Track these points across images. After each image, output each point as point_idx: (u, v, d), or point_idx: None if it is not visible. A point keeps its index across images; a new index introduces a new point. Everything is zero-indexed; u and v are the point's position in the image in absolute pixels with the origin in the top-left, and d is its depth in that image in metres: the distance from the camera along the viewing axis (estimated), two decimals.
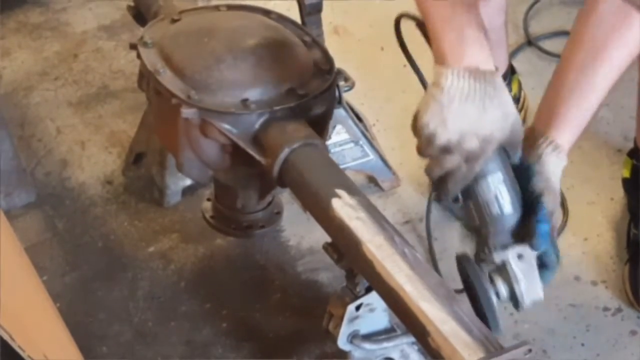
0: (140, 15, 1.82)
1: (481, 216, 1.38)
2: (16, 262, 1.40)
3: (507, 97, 1.34)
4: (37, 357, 1.08)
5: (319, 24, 1.83)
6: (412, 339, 1.39)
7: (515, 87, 2.09)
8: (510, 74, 2.07)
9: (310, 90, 1.51)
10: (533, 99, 2.13)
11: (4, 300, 1.11)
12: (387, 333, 1.46)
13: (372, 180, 2.02)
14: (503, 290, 1.36)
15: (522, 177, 1.39)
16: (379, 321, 1.45)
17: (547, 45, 2.30)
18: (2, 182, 1.92)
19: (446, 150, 1.32)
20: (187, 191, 1.99)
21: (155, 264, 1.89)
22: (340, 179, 1.39)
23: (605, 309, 1.79)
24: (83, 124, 2.20)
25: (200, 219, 1.74)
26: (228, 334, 1.75)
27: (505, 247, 1.36)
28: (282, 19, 1.65)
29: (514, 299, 1.36)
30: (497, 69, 1.35)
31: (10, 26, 2.50)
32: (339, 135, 1.90)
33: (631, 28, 1.36)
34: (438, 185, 1.38)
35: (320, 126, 1.53)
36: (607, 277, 1.83)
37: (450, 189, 1.36)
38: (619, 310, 1.78)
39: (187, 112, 1.45)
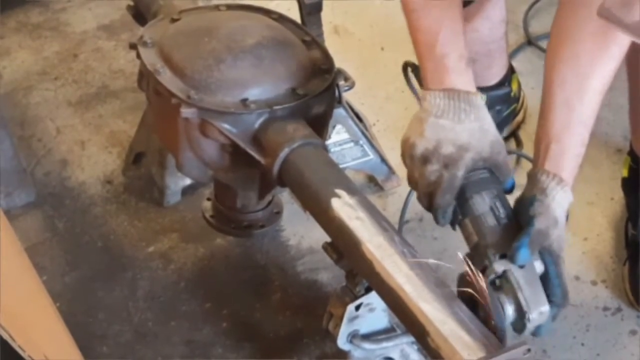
0: (140, 14, 1.82)
1: (479, 229, 1.39)
2: (16, 262, 1.40)
3: (485, 115, 1.42)
4: (37, 357, 1.08)
5: (319, 23, 1.83)
6: (411, 338, 1.39)
7: (515, 86, 2.09)
8: (510, 74, 2.08)
9: (310, 90, 1.51)
10: (533, 99, 2.13)
11: (4, 300, 1.11)
12: (386, 333, 1.46)
13: (372, 180, 2.02)
14: (508, 306, 1.32)
15: (523, 208, 1.40)
16: (379, 321, 1.45)
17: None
18: (2, 182, 1.92)
19: (425, 159, 1.40)
20: (187, 191, 1.99)
21: (155, 263, 1.88)
22: (340, 179, 1.39)
23: (605, 308, 1.78)
24: (83, 124, 2.20)
25: (200, 218, 1.74)
26: (228, 334, 1.75)
27: (504, 256, 1.35)
28: (282, 18, 1.65)
29: (519, 311, 1.31)
30: (477, 91, 1.43)
31: (11, 26, 2.49)
32: (339, 135, 1.90)
33: (611, 57, 1.40)
34: (430, 206, 1.42)
35: (320, 126, 1.53)
36: (606, 276, 1.83)
37: (440, 202, 1.40)
38: (618, 309, 1.78)
39: (186, 111, 1.45)
